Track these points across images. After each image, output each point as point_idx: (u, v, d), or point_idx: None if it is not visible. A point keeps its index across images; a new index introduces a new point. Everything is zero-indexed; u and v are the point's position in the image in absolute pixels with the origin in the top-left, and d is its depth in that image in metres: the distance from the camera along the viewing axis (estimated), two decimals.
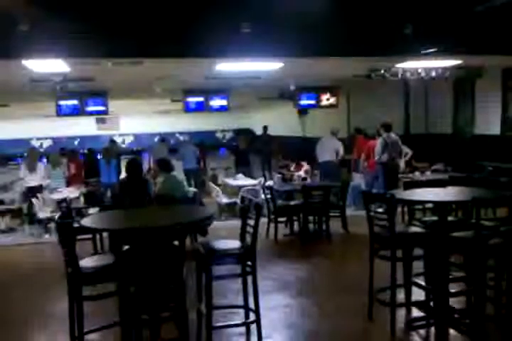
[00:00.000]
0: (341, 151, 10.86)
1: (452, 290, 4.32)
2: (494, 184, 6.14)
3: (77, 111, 10.65)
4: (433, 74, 8.95)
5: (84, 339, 3.82)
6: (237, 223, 4.37)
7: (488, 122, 10.41)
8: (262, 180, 10.54)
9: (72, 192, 9.27)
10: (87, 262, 3.86)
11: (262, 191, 8.71)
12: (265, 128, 15.01)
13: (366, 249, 4.35)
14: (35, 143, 18.85)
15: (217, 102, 11.52)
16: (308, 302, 4.99)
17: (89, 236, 6.56)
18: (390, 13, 6.28)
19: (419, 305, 4.43)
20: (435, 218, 4.61)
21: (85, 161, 12.24)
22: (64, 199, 8.80)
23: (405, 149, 10.09)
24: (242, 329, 4.22)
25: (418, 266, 4.48)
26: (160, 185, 6.76)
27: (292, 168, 11.63)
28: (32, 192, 9.27)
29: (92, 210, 8.05)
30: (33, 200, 8.67)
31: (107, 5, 5.57)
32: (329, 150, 10.85)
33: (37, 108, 13.17)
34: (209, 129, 20.24)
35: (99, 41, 5.65)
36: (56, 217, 7.09)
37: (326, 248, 7.25)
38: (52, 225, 8.13)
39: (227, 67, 7.49)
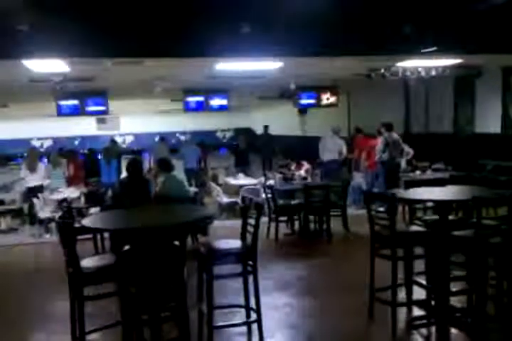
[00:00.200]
0: (344, 150, 10.85)
1: (453, 289, 4.32)
2: (494, 183, 6.14)
3: (77, 111, 10.68)
4: (433, 73, 8.95)
5: (86, 339, 3.83)
6: (237, 222, 4.37)
7: (489, 121, 10.41)
8: (263, 179, 10.54)
9: (72, 192, 9.27)
10: (87, 262, 3.86)
11: (262, 190, 8.71)
12: (266, 127, 15.02)
13: (367, 248, 4.35)
14: (36, 143, 18.85)
15: (217, 102, 11.54)
16: (309, 302, 5.00)
17: (90, 236, 6.57)
18: (390, 13, 6.27)
19: (420, 304, 4.43)
20: (436, 217, 4.61)
21: (86, 161, 12.24)
22: (64, 199, 8.81)
23: (407, 148, 10.10)
24: (244, 328, 4.22)
25: (419, 265, 4.49)
26: (160, 184, 6.75)
27: (293, 168, 11.63)
28: (32, 192, 9.27)
29: (92, 210, 8.06)
30: (34, 200, 8.67)
31: (107, 5, 5.56)
32: (332, 149, 10.83)
33: (37, 108, 13.19)
34: (209, 129, 20.25)
35: (99, 41, 5.64)
36: (57, 217, 7.12)
37: (327, 247, 7.25)
38: (52, 225, 8.13)
39: (227, 66, 7.49)
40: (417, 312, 4.42)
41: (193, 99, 11.37)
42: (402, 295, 4.41)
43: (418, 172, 9.72)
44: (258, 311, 3.97)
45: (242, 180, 10.58)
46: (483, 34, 6.50)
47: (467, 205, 4.95)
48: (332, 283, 5.49)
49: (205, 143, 15.04)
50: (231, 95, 11.63)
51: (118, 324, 3.82)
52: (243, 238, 4.12)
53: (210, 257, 3.89)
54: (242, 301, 4.22)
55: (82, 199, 9.19)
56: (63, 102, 10.45)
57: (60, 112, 10.63)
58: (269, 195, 8.01)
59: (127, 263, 3.67)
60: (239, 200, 9.08)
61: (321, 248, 7.20)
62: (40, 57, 5.79)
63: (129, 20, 5.71)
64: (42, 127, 17.44)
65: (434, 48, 6.36)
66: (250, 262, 3.95)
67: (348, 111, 14.68)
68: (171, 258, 3.76)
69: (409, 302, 4.45)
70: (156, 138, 17.62)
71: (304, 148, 14.18)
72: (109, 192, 9.50)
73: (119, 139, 17.86)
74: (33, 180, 9.56)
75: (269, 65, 7.56)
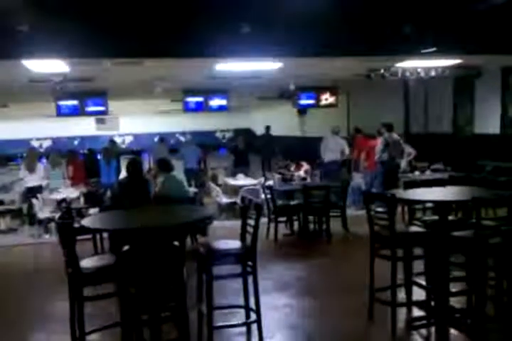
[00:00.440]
0: (346, 150, 10.84)
1: (453, 290, 4.33)
2: (493, 183, 6.15)
3: (76, 112, 10.67)
4: (432, 73, 8.95)
5: (85, 339, 3.82)
6: (237, 223, 4.37)
7: (488, 121, 10.41)
8: (263, 179, 10.54)
9: (72, 193, 9.26)
10: (87, 263, 3.86)
11: (262, 191, 8.71)
12: (267, 128, 15.02)
13: (366, 249, 4.36)
14: (35, 144, 18.82)
15: (216, 102, 11.53)
16: (308, 302, 5.00)
17: (90, 236, 6.57)
18: (390, 13, 6.27)
19: (419, 304, 4.43)
20: (435, 217, 4.61)
21: (85, 161, 12.22)
22: (64, 200, 8.80)
23: (409, 149, 10.10)
24: (243, 329, 4.22)
25: (418, 265, 4.49)
26: (160, 185, 6.75)
27: (292, 168, 11.63)
28: (32, 192, 9.26)
29: (92, 210, 8.05)
30: (33, 201, 8.67)
31: (107, 5, 5.56)
32: (334, 149, 10.82)
33: (37, 108, 13.17)
34: (209, 129, 20.24)
35: (99, 41, 5.64)
36: (56, 217, 7.11)
37: (327, 248, 7.25)
38: (52, 225, 8.13)
39: (227, 67, 7.49)
40: (417, 312, 4.42)
41: (192, 100, 11.37)
42: (401, 295, 4.41)
43: (417, 172, 9.71)
44: (258, 311, 3.97)
45: (241, 180, 10.57)
46: (483, 34, 6.50)
47: (467, 206, 4.95)
48: (332, 284, 5.50)
49: (205, 143, 15.03)
50: (231, 95, 11.62)
51: (117, 324, 3.81)
52: (243, 238, 4.12)
53: (210, 257, 3.89)
54: (241, 301, 4.22)
55: (82, 199, 9.18)
56: (63, 102, 10.44)
57: (60, 112, 10.62)
58: (269, 196, 8.02)
59: (127, 263, 3.66)
60: (238, 201, 9.08)
61: (321, 248, 7.20)
62: (40, 57, 5.78)
63: (129, 21, 5.70)
64: (41, 127, 17.42)
65: (434, 49, 6.36)
66: (250, 262, 3.95)
67: (348, 111, 14.67)
68: (171, 258, 3.76)
69: (409, 303, 4.45)
70: (156, 139, 17.61)
71: (304, 148, 14.18)
72: (109, 193, 9.50)
73: (118, 139, 17.84)
74: (32, 181, 9.55)
75: (268, 66, 7.56)
